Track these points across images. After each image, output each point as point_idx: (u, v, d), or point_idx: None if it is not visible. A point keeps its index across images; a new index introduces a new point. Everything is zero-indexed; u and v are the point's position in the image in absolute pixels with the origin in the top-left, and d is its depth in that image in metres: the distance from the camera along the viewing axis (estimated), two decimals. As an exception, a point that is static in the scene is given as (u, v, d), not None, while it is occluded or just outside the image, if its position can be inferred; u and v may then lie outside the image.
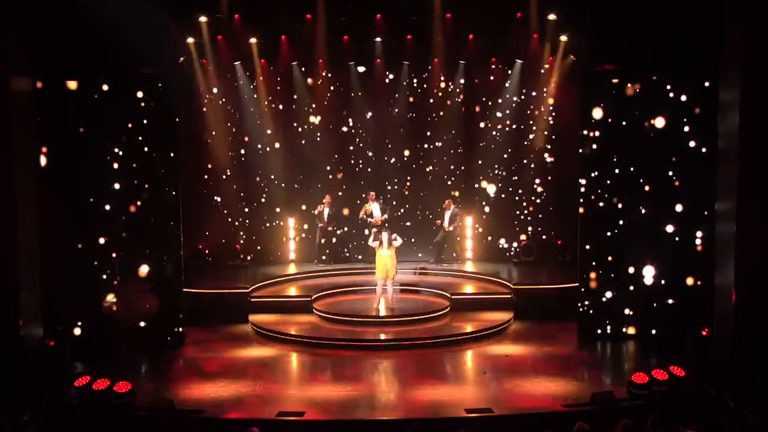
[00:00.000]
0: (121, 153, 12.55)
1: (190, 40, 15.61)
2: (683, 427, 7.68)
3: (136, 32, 11.57)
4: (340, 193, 17.74)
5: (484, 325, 13.62)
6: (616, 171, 12.72)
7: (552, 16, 15.38)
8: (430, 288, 15.60)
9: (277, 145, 17.51)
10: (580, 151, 12.86)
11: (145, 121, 12.59)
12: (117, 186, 12.54)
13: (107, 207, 12.47)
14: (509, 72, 17.21)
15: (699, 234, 12.35)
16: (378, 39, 16.81)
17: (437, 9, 15.95)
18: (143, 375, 11.58)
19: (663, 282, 12.62)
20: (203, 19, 15.47)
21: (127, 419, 9.60)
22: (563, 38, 15.71)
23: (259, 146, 17.46)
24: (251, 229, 17.68)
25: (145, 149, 12.61)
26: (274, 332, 13.45)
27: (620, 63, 12.57)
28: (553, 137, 17.24)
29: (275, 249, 17.83)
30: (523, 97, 17.33)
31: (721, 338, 11.00)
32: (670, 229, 12.49)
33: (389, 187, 17.68)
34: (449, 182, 17.72)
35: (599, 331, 12.91)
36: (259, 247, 17.66)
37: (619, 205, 12.76)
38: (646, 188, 12.63)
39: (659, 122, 12.45)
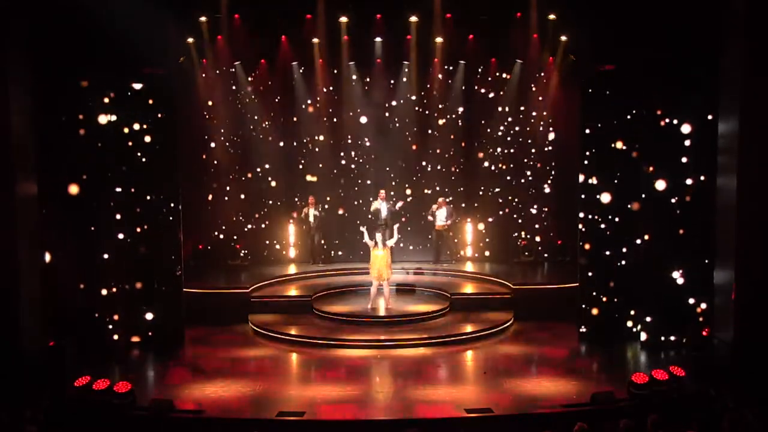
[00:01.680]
0: (120, 152, 12.52)
1: (190, 40, 15.63)
2: (683, 427, 7.68)
3: (135, 33, 11.57)
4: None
5: (483, 325, 13.62)
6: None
7: (552, 16, 15.39)
8: (430, 288, 15.61)
9: (277, 142, 17.57)
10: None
11: (144, 120, 12.57)
12: (118, 187, 12.54)
13: (107, 209, 12.44)
14: (509, 72, 17.23)
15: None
16: (378, 39, 16.81)
17: (437, 9, 15.95)
18: (143, 375, 11.57)
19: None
20: (203, 19, 15.49)
21: (127, 419, 9.59)
22: (563, 38, 15.73)
23: (260, 146, 17.49)
24: (251, 229, 17.69)
25: (146, 149, 12.59)
26: (274, 332, 13.45)
27: (620, 63, 12.57)
28: (554, 137, 17.24)
29: (275, 249, 17.84)
30: (523, 97, 17.33)
31: (721, 338, 11.01)
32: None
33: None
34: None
35: (599, 331, 12.90)
36: (259, 248, 17.70)
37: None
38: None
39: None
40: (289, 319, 14.19)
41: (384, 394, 10.80)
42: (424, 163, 17.82)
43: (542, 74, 16.89)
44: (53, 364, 10.82)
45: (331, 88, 17.54)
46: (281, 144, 17.57)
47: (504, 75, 17.31)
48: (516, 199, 17.68)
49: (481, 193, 17.82)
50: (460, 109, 17.64)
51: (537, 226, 17.57)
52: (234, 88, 17.15)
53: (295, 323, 13.92)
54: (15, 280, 10.37)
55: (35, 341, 10.72)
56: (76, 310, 12.11)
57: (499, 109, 17.46)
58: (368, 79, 17.49)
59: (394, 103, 17.64)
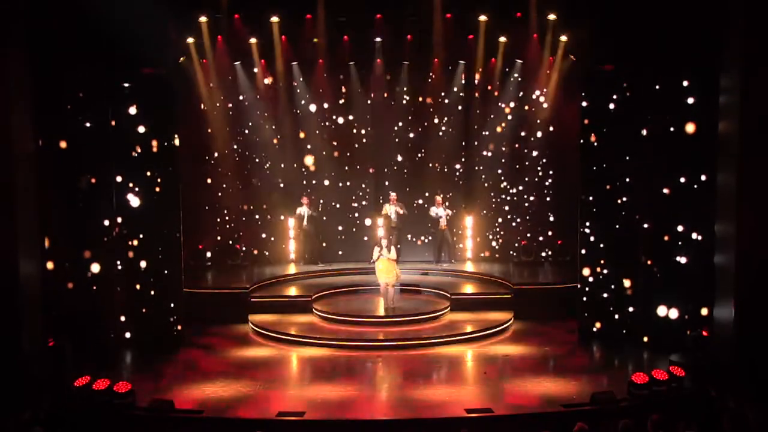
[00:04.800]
0: (120, 152, 12.51)
1: (190, 40, 15.62)
2: (683, 427, 7.68)
3: (136, 33, 11.56)
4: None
5: (484, 325, 13.63)
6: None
7: (552, 16, 15.39)
8: (431, 288, 15.62)
9: (277, 144, 17.56)
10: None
11: (145, 120, 12.56)
12: (119, 187, 12.54)
13: (107, 208, 12.44)
14: (509, 72, 17.23)
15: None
16: (378, 39, 16.80)
17: (437, 9, 15.95)
18: (143, 375, 11.57)
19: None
20: (203, 19, 15.48)
21: (127, 419, 9.60)
22: (563, 38, 15.72)
23: (260, 146, 17.50)
24: (251, 229, 17.68)
25: (145, 149, 12.58)
26: (274, 332, 13.45)
27: (620, 63, 12.56)
28: (554, 137, 17.23)
29: (275, 249, 17.84)
30: (523, 97, 17.33)
31: (721, 338, 10.99)
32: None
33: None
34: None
35: (599, 331, 12.91)
36: (259, 248, 17.71)
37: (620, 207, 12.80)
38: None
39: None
40: (289, 319, 14.19)
41: (384, 394, 10.81)
42: (424, 164, 17.80)
43: (542, 74, 16.87)
44: (53, 364, 10.81)
45: (330, 88, 17.51)
46: (282, 144, 17.57)
47: (504, 75, 17.29)
48: (516, 199, 17.68)
49: (481, 193, 17.81)
50: (460, 109, 17.61)
51: (537, 226, 17.57)
52: (234, 88, 17.13)
53: (295, 323, 13.93)
54: (15, 280, 10.35)
55: (35, 341, 10.71)
56: (75, 310, 12.10)
57: (499, 109, 17.46)
58: (368, 80, 17.46)
59: (393, 102, 17.61)
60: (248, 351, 12.91)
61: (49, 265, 11.66)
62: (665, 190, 12.38)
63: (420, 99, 17.65)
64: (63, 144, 12.03)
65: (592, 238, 12.89)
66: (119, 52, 11.78)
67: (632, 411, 9.05)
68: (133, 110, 12.50)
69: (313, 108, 17.55)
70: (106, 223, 12.42)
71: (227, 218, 17.57)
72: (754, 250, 10.44)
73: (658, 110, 12.36)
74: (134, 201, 12.54)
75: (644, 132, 12.51)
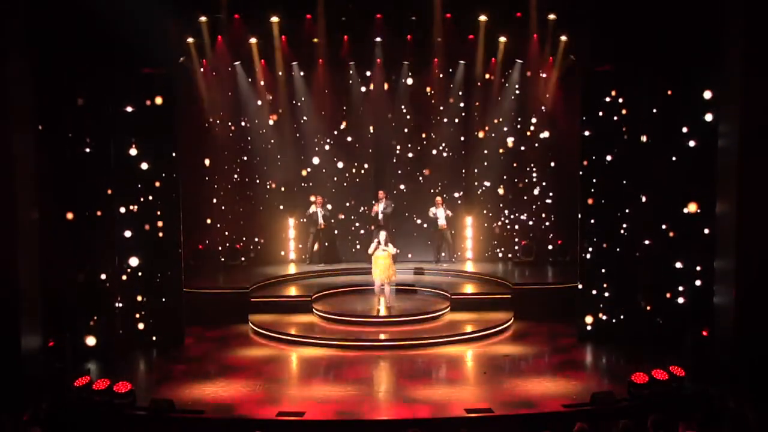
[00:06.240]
0: (119, 153, 12.51)
1: (190, 40, 15.62)
2: (683, 427, 7.68)
3: (135, 32, 11.55)
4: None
5: (484, 325, 13.63)
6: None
7: (552, 16, 15.39)
8: (430, 288, 15.62)
9: (276, 143, 17.56)
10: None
11: (144, 121, 12.56)
12: (116, 184, 12.53)
13: (107, 209, 12.43)
14: (509, 73, 17.22)
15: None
16: (378, 39, 16.80)
17: (437, 9, 15.95)
18: (143, 375, 11.57)
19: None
20: (203, 19, 15.48)
21: (127, 419, 9.60)
22: (563, 38, 15.72)
23: (260, 146, 17.50)
24: (251, 229, 17.68)
25: (145, 149, 12.58)
26: (274, 332, 13.45)
27: (620, 63, 12.56)
28: (554, 137, 17.23)
29: (275, 249, 17.83)
30: (523, 97, 17.33)
31: (721, 338, 10.99)
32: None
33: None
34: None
35: (599, 331, 12.90)
36: (259, 247, 17.70)
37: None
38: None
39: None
40: (289, 319, 14.19)
41: (384, 394, 10.81)
42: (423, 163, 17.80)
43: (542, 74, 16.88)
44: (53, 364, 10.81)
45: (330, 89, 17.52)
46: (282, 144, 17.56)
47: (503, 75, 17.28)
48: (516, 199, 17.68)
49: (481, 192, 17.81)
50: (460, 108, 17.61)
51: (537, 226, 17.56)
52: (234, 88, 17.13)
53: (295, 323, 13.93)
54: (15, 281, 10.36)
55: (35, 341, 10.71)
56: (76, 310, 12.10)
57: (499, 109, 17.45)
58: (368, 79, 17.46)
59: (393, 101, 17.60)
60: (248, 351, 12.91)
61: (49, 267, 11.62)
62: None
63: (419, 99, 17.55)
64: (63, 144, 12.00)
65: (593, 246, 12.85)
66: (119, 52, 11.77)
67: (632, 411, 9.06)
68: (133, 110, 12.46)
69: (312, 108, 17.51)
70: (107, 223, 12.40)
71: (227, 218, 17.54)
72: (754, 247, 10.43)
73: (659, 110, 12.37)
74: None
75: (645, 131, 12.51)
